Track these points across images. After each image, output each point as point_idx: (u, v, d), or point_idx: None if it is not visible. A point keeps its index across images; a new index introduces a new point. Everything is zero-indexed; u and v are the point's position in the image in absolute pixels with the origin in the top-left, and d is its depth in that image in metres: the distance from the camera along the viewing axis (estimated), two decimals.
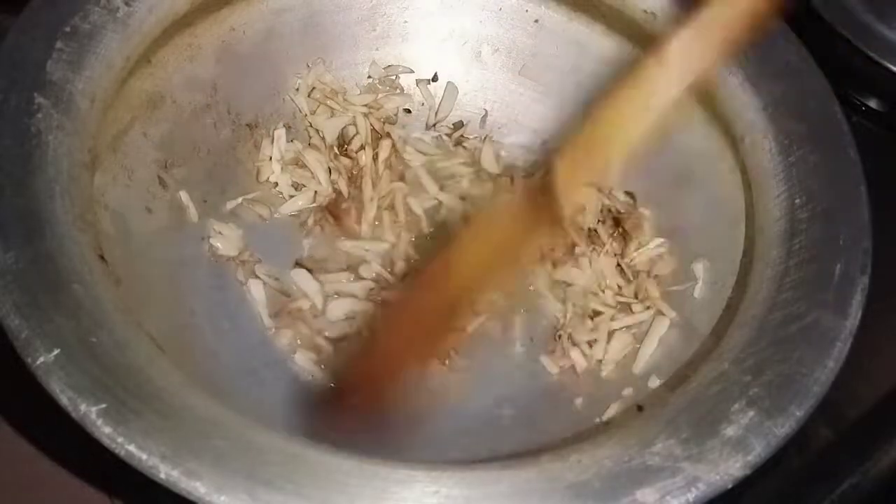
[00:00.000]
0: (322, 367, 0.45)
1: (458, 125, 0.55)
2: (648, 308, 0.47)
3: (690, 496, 0.30)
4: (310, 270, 0.47)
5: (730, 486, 0.31)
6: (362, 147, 0.52)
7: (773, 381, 0.34)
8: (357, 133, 0.52)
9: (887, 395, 0.48)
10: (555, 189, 0.31)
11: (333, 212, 0.50)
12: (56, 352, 0.30)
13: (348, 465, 0.30)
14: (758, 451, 0.32)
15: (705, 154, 0.48)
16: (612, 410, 0.42)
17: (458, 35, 0.54)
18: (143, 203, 0.44)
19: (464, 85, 0.55)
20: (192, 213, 0.46)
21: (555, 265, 0.50)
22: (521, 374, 0.46)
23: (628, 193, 0.51)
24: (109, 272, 0.35)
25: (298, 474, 0.29)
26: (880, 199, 0.41)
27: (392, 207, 0.51)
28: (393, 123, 0.54)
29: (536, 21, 0.53)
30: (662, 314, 0.46)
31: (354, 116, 0.52)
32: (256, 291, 0.46)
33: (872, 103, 0.59)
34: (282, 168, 0.50)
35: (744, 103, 0.44)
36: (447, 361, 0.46)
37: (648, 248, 0.49)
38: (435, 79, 0.55)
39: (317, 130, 0.52)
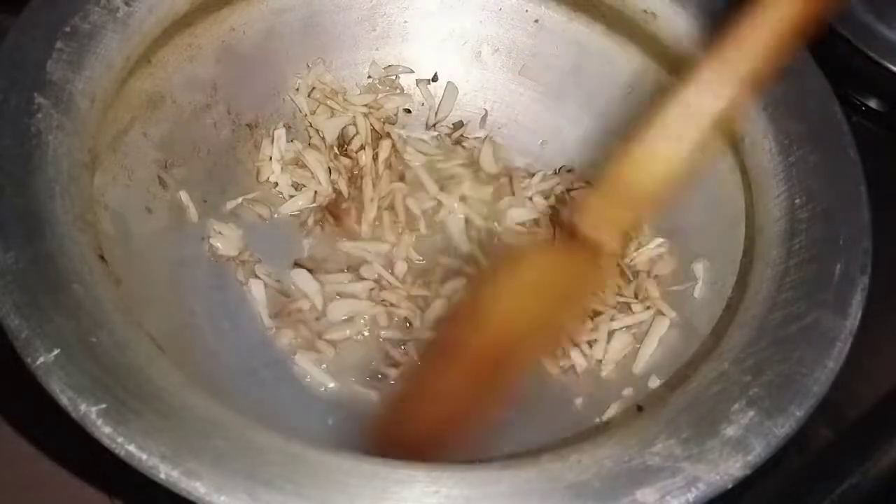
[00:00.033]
0: (323, 367, 0.45)
1: (458, 125, 0.55)
2: (648, 308, 0.47)
3: (690, 496, 0.30)
4: (310, 270, 0.47)
5: (730, 486, 0.31)
6: (362, 147, 0.52)
7: (773, 381, 0.34)
8: (357, 133, 0.52)
9: (887, 395, 0.48)
10: (587, 232, 0.30)
11: (333, 212, 0.50)
12: (56, 352, 0.30)
13: (348, 465, 0.30)
14: (758, 451, 0.32)
15: (705, 154, 0.48)
16: (612, 410, 0.42)
17: (458, 35, 0.54)
18: (143, 203, 0.44)
19: (464, 85, 0.55)
20: (192, 213, 0.46)
21: None
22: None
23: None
24: (109, 272, 0.35)
25: (298, 474, 0.29)
26: (880, 199, 0.41)
27: (392, 208, 0.51)
28: (393, 123, 0.54)
29: (536, 21, 0.53)
30: (662, 314, 0.46)
31: (354, 116, 0.52)
32: (256, 291, 0.46)
33: (872, 103, 0.59)
34: (282, 168, 0.50)
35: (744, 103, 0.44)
36: None
37: (648, 248, 0.49)
38: (435, 79, 0.55)
39: (317, 130, 0.52)
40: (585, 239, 0.30)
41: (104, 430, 0.29)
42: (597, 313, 0.47)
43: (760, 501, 0.43)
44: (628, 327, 0.46)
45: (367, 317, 0.47)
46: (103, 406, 0.30)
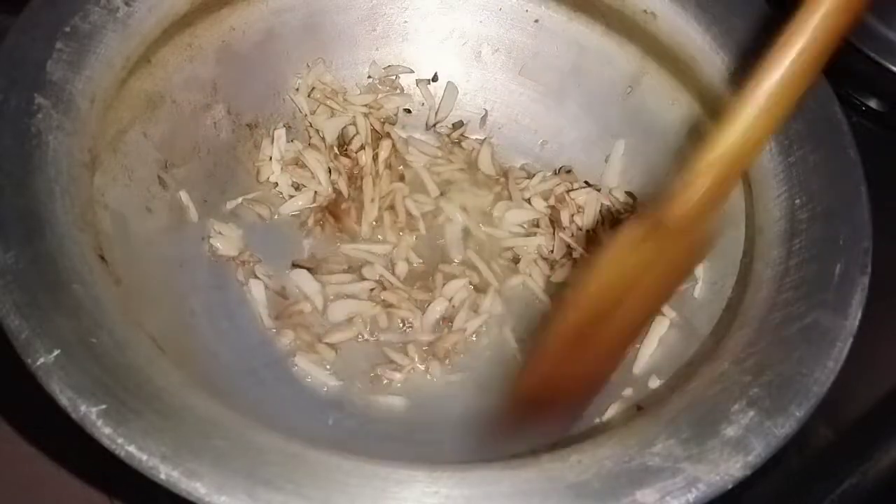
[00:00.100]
0: (323, 367, 0.45)
1: (458, 125, 0.55)
2: None
3: (690, 496, 0.30)
4: (309, 270, 0.47)
5: (730, 486, 0.31)
6: (362, 147, 0.52)
7: (773, 381, 0.34)
8: (357, 133, 0.52)
9: (887, 395, 0.48)
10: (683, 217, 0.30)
11: (333, 212, 0.50)
12: (56, 352, 0.30)
13: (348, 465, 0.30)
14: (758, 451, 0.32)
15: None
16: (612, 410, 0.42)
17: (458, 35, 0.54)
18: (143, 203, 0.44)
19: (464, 85, 0.55)
20: (192, 213, 0.46)
21: (552, 267, 0.50)
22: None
23: (628, 193, 0.52)
24: (109, 272, 0.35)
25: (298, 474, 0.29)
26: (880, 199, 0.40)
27: (392, 208, 0.51)
28: (393, 123, 0.54)
29: (536, 21, 0.53)
30: (662, 314, 0.46)
31: (354, 116, 0.52)
32: (256, 291, 0.46)
33: (872, 103, 0.59)
34: (282, 168, 0.50)
35: None
36: (448, 362, 0.46)
37: None
38: (435, 79, 0.55)
39: (317, 130, 0.52)
40: (681, 225, 0.31)
41: (104, 431, 0.29)
42: None
43: (760, 501, 0.43)
44: None
45: (367, 318, 0.47)
46: (103, 406, 0.30)
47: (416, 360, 0.46)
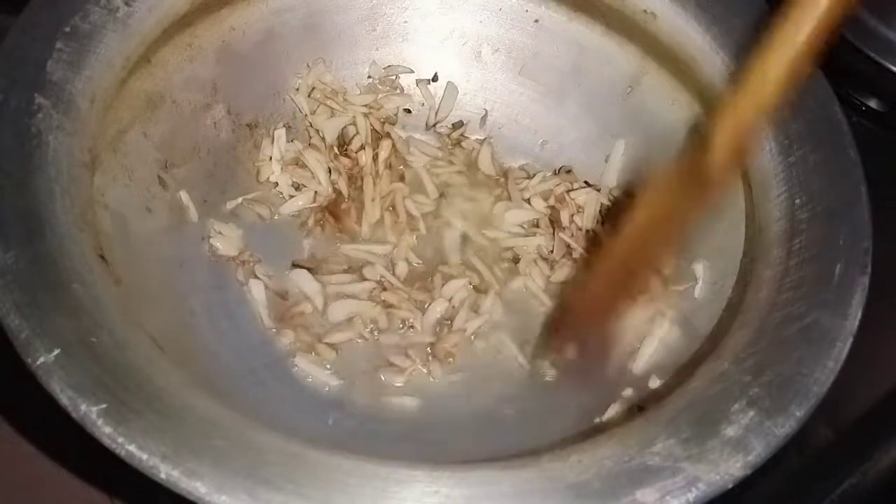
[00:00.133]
0: (323, 368, 0.45)
1: (458, 125, 0.55)
2: (650, 307, 0.46)
3: (690, 496, 0.30)
4: (310, 270, 0.47)
5: (730, 486, 0.31)
6: (362, 147, 0.52)
7: (773, 381, 0.34)
8: (357, 133, 0.52)
9: (887, 395, 0.48)
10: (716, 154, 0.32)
11: (334, 212, 0.50)
12: (56, 352, 0.30)
13: (348, 464, 0.30)
14: (758, 451, 0.32)
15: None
16: (612, 410, 0.42)
17: (458, 35, 0.54)
18: (143, 203, 0.44)
19: (464, 85, 0.55)
20: (192, 213, 0.46)
21: (552, 267, 0.50)
22: (521, 374, 0.46)
23: (628, 193, 0.52)
24: (109, 272, 0.35)
25: (298, 474, 0.29)
26: (880, 199, 0.40)
27: (392, 208, 0.51)
28: (393, 123, 0.54)
29: (536, 21, 0.53)
30: (662, 314, 0.46)
31: (354, 116, 0.52)
32: (256, 291, 0.46)
33: (872, 103, 0.59)
34: (282, 168, 0.50)
35: None
36: (448, 362, 0.46)
37: None
38: (435, 79, 0.55)
39: (317, 130, 0.52)
40: (716, 168, 0.33)
41: (104, 430, 0.29)
42: None
43: (760, 501, 0.43)
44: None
45: (367, 318, 0.47)
46: (103, 406, 0.30)
47: (417, 361, 0.46)
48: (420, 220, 0.51)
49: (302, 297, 0.47)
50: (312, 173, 0.50)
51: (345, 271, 0.48)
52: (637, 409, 0.41)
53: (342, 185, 0.51)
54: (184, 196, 0.46)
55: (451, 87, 0.54)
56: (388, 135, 0.53)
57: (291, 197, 0.50)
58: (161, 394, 0.31)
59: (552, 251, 0.50)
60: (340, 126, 0.52)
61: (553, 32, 0.53)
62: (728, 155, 0.32)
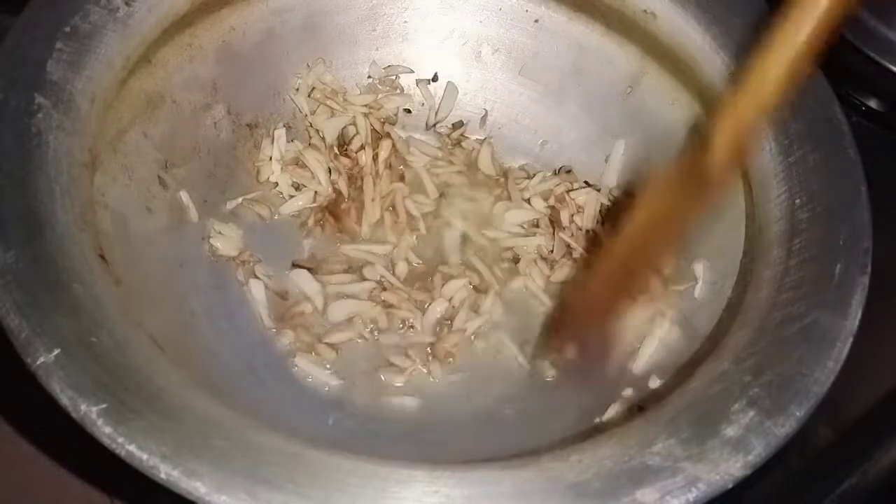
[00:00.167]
0: (323, 368, 0.45)
1: (458, 125, 0.55)
2: (650, 307, 0.46)
3: (690, 496, 0.30)
4: (310, 270, 0.47)
5: (730, 486, 0.31)
6: (362, 147, 0.52)
7: (773, 381, 0.34)
8: (357, 133, 0.52)
9: (887, 395, 0.48)
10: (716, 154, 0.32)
11: (333, 212, 0.50)
12: (56, 352, 0.30)
13: (348, 464, 0.30)
14: (758, 451, 0.32)
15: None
16: (612, 410, 0.42)
17: (458, 35, 0.54)
18: (143, 203, 0.44)
19: (464, 85, 0.55)
20: (192, 213, 0.46)
21: (552, 267, 0.50)
22: (521, 374, 0.46)
23: (628, 193, 0.51)
24: (109, 272, 0.35)
25: (298, 474, 0.29)
26: (880, 199, 0.40)
27: (392, 208, 0.51)
28: (393, 123, 0.54)
29: (536, 21, 0.53)
30: (662, 314, 0.46)
31: (354, 116, 0.52)
32: (256, 291, 0.46)
33: (872, 103, 0.59)
34: (282, 168, 0.50)
35: None
36: (449, 362, 0.46)
37: None
38: (435, 79, 0.55)
39: (317, 130, 0.52)
40: (716, 168, 0.33)
41: (104, 430, 0.29)
42: None
43: (760, 501, 0.43)
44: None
45: (367, 318, 0.47)
46: (103, 406, 0.30)
47: (418, 361, 0.46)
48: (420, 220, 0.51)
49: (302, 297, 0.47)
50: (312, 173, 0.50)
51: (345, 271, 0.48)
52: (637, 409, 0.41)
53: (342, 185, 0.51)
54: (184, 196, 0.46)
55: (451, 87, 0.54)
56: (388, 135, 0.53)
57: (291, 197, 0.50)
58: (161, 394, 0.31)
59: (552, 251, 0.50)
60: (340, 126, 0.52)
61: (553, 32, 0.53)
62: (728, 155, 0.32)
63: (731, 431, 0.32)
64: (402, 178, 0.52)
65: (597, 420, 0.42)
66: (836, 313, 0.36)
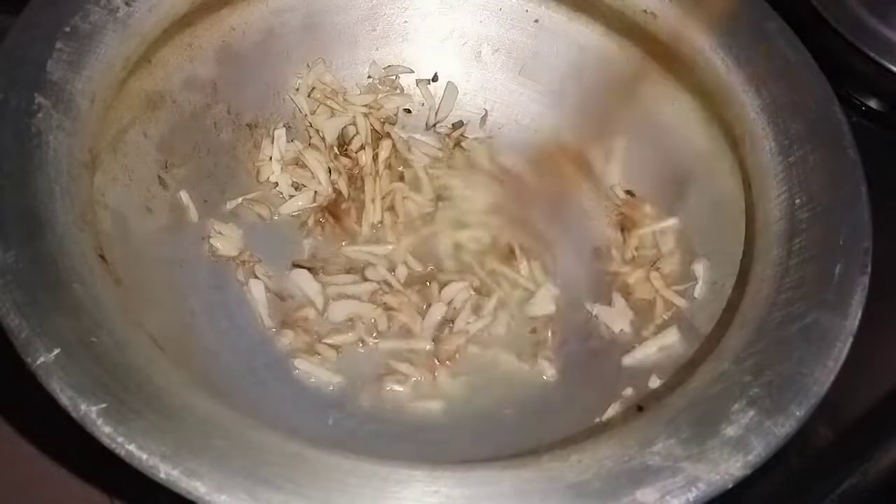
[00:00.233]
0: (323, 368, 0.45)
1: (458, 125, 0.55)
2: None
3: (691, 496, 0.30)
4: (310, 270, 0.47)
5: (730, 485, 0.31)
6: (362, 147, 0.52)
7: (773, 381, 0.34)
8: (357, 133, 0.52)
9: (887, 395, 0.48)
10: None
11: (333, 212, 0.50)
12: (56, 352, 0.30)
13: (348, 464, 0.30)
14: (758, 450, 0.32)
15: (705, 154, 0.48)
16: (612, 410, 0.42)
17: (458, 35, 0.54)
18: (143, 203, 0.44)
19: (464, 85, 0.55)
20: (192, 213, 0.46)
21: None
22: (521, 374, 0.46)
23: (628, 192, 0.51)
24: (109, 272, 0.35)
25: (298, 473, 0.29)
26: (880, 199, 0.41)
27: (392, 208, 0.51)
28: (393, 123, 0.54)
29: (536, 21, 0.53)
30: (662, 314, 0.46)
31: (354, 116, 0.52)
32: (256, 291, 0.46)
33: (872, 103, 0.59)
34: (282, 168, 0.50)
35: (744, 103, 0.44)
36: (449, 363, 0.46)
37: (658, 226, 0.49)
38: (435, 79, 0.55)
39: (317, 130, 0.52)
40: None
41: (104, 430, 0.29)
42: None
43: (760, 501, 0.43)
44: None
45: (367, 319, 0.46)
46: (103, 406, 0.30)
47: (418, 362, 0.46)
48: (420, 221, 0.51)
49: (302, 298, 0.47)
50: (312, 173, 0.50)
51: (345, 272, 0.48)
52: (637, 409, 0.41)
53: (342, 185, 0.51)
54: (184, 196, 0.46)
55: (451, 87, 0.54)
56: (388, 135, 0.53)
57: (291, 197, 0.50)
58: (161, 394, 0.31)
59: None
60: (340, 126, 0.52)
61: (553, 32, 0.53)
62: None
63: (731, 431, 0.32)
64: (401, 179, 0.52)
65: (597, 420, 0.42)
66: (836, 313, 0.36)
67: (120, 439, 0.29)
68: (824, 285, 0.37)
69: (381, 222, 0.50)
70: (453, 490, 0.30)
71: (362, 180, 0.51)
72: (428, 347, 0.46)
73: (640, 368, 0.45)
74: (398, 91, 0.54)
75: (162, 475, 0.29)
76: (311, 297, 0.47)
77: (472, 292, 0.48)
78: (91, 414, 0.29)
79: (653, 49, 0.49)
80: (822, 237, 0.39)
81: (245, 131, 0.50)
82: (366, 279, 0.48)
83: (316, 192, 0.50)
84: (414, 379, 0.45)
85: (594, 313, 0.47)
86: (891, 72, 0.57)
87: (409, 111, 0.54)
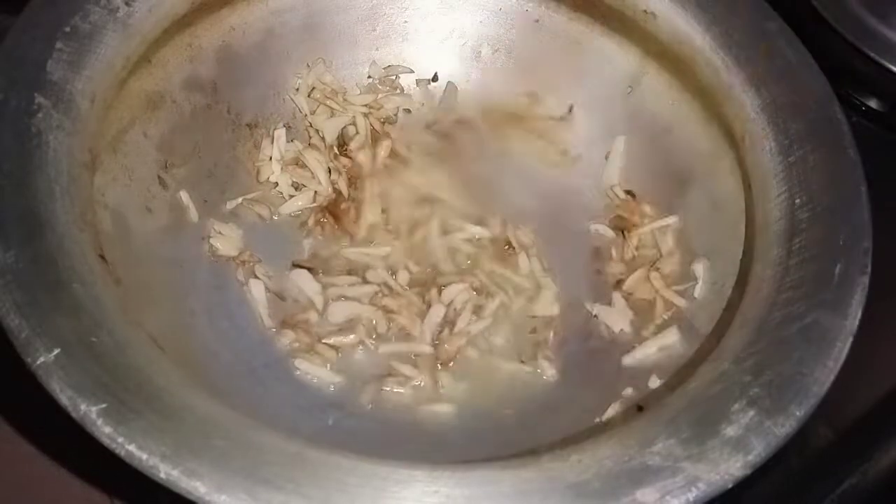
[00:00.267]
0: (323, 368, 0.45)
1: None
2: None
3: (691, 496, 0.30)
4: (310, 271, 0.47)
5: (730, 485, 0.31)
6: (362, 147, 0.52)
7: (773, 381, 0.34)
8: (357, 133, 0.52)
9: (887, 395, 0.48)
10: None
11: (333, 212, 0.50)
12: (56, 352, 0.30)
13: (348, 464, 0.30)
14: (758, 451, 0.32)
15: (705, 154, 0.48)
16: (612, 410, 0.42)
17: (458, 35, 0.54)
18: (143, 203, 0.44)
19: (464, 85, 0.55)
20: (192, 213, 0.46)
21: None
22: (521, 374, 0.46)
23: (628, 192, 0.51)
24: (109, 272, 0.35)
25: (298, 473, 0.29)
26: (880, 199, 0.40)
27: (392, 209, 0.51)
28: (393, 123, 0.54)
29: (536, 21, 0.53)
30: (662, 314, 0.46)
31: (354, 116, 0.52)
32: (256, 291, 0.46)
33: (872, 103, 0.59)
34: (282, 168, 0.50)
35: (744, 103, 0.44)
36: (451, 365, 0.46)
37: (658, 224, 0.49)
38: (435, 79, 0.55)
39: (317, 130, 0.52)
40: None
41: (104, 430, 0.29)
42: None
43: (760, 501, 0.43)
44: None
45: (367, 320, 0.46)
46: (103, 406, 0.30)
47: (418, 363, 0.45)
48: (420, 221, 0.51)
49: (302, 298, 0.47)
50: (312, 173, 0.50)
51: (346, 273, 0.48)
52: (637, 409, 0.41)
53: (342, 185, 0.51)
54: (184, 196, 0.46)
55: (451, 87, 0.54)
56: (388, 135, 0.53)
57: (291, 197, 0.50)
58: (161, 394, 0.31)
59: None
60: (340, 126, 0.52)
61: (553, 32, 0.53)
62: None
63: (731, 431, 0.32)
64: (401, 179, 0.52)
65: (597, 420, 0.42)
66: (836, 313, 0.36)
67: (120, 439, 0.29)
68: (824, 285, 0.37)
69: (380, 223, 0.50)
70: (453, 490, 0.30)
71: (362, 180, 0.51)
72: (428, 350, 0.46)
73: (640, 368, 0.45)
74: (398, 91, 0.54)
75: (162, 475, 0.29)
76: (311, 297, 0.47)
77: (473, 293, 0.48)
78: (91, 414, 0.29)
79: (653, 49, 0.49)
80: (822, 237, 0.39)
81: (245, 131, 0.50)
82: (366, 281, 0.48)
83: (316, 192, 0.50)
84: (409, 371, 0.45)
85: (594, 313, 0.48)
86: (891, 72, 0.57)
87: (409, 111, 0.54)
